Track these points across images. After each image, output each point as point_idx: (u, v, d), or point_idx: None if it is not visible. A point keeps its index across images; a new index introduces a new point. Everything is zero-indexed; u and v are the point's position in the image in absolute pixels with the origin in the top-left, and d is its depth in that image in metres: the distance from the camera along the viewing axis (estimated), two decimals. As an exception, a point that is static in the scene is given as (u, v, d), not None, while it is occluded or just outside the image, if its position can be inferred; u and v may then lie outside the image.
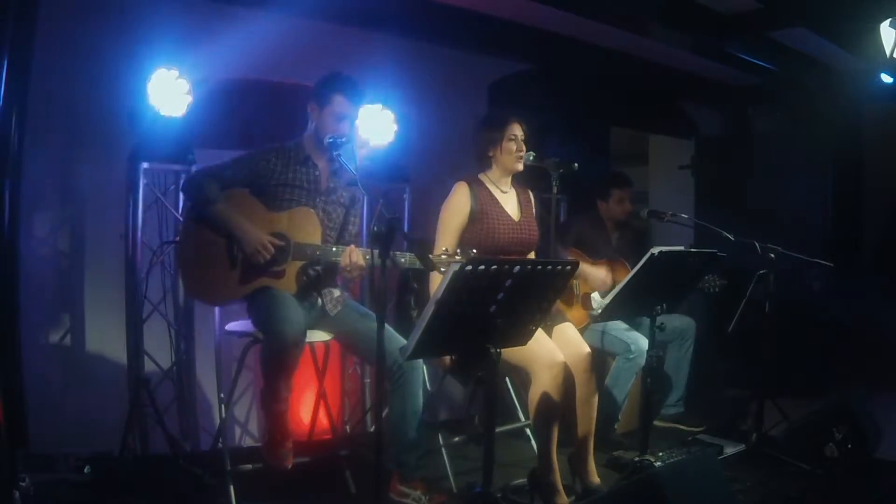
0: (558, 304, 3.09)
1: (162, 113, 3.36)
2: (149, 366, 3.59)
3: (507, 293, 2.19)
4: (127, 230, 3.54)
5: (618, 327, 3.85)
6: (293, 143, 2.96)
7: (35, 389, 3.25)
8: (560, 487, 2.90)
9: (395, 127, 4.04)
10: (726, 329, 3.78)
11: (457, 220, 3.01)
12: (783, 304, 3.68)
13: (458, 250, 2.78)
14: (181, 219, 3.57)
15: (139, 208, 3.50)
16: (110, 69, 3.48)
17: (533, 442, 3.38)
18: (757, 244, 3.64)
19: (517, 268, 2.17)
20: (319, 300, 2.94)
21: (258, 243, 2.76)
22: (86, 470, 3.10)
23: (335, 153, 2.85)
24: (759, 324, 3.63)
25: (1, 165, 3.02)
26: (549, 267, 2.28)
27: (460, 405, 4.34)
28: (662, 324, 3.21)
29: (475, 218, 3.02)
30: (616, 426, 3.91)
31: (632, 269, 3.03)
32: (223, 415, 3.16)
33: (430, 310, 2.11)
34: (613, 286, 3.96)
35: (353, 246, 2.78)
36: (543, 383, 2.82)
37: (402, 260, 2.70)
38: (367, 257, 2.68)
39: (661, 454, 3.26)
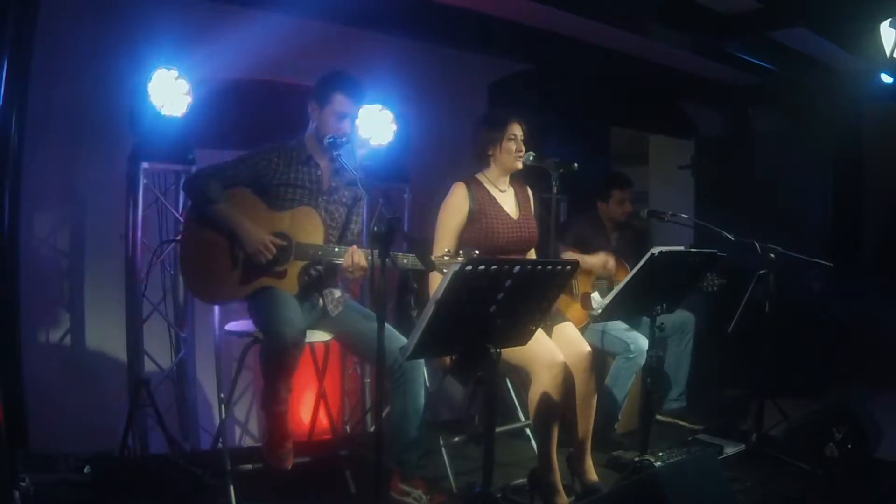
0: (558, 304, 3.08)
1: (162, 113, 3.37)
2: (149, 366, 3.59)
3: (507, 293, 2.19)
4: (127, 230, 3.54)
5: (618, 327, 3.85)
6: (295, 143, 2.95)
7: (35, 389, 3.25)
8: (560, 487, 2.90)
9: (394, 127, 4.05)
10: (726, 329, 3.78)
11: (455, 221, 3.01)
12: (783, 304, 3.68)
13: (461, 251, 2.77)
14: (181, 218, 3.57)
15: (139, 208, 3.50)
16: (110, 69, 3.48)
17: (533, 442, 3.38)
18: (757, 244, 3.64)
19: (517, 268, 2.17)
20: (321, 301, 2.94)
21: (260, 243, 2.75)
22: (86, 470, 3.09)
23: (335, 153, 2.84)
24: (758, 324, 3.62)
25: (1, 165, 3.03)
26: (549, 267, 2.28)
27: (460, 405, 4.34)
28: (663, 324, 3.21)
29: (474, 218, 3.01)
30: (616, 426, 3.91)
31: (632, 269, 3.03)
32: (223, 415, 3.16)
33: (430, 310, 2.11)
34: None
35: (355, 247, 2.77)
36: (543, 383, 2.82)
37: (405, 261, 2.69)
38: (369, 258, 2.67)
39: (661, 454, 3.26)
